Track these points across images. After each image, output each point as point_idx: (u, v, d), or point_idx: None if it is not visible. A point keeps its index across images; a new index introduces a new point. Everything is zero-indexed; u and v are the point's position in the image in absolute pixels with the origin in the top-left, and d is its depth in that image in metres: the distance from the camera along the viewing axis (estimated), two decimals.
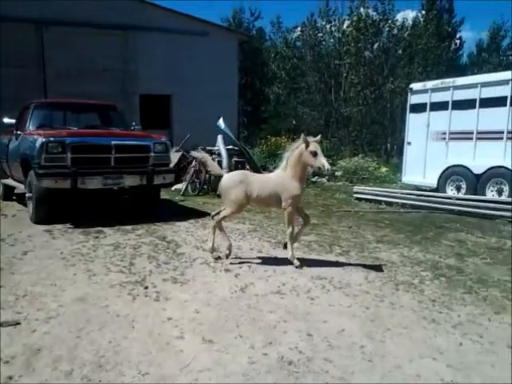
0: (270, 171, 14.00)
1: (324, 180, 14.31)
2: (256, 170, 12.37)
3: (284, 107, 26.13)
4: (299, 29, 24.46)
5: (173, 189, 11.13)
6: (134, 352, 3.10)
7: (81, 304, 3.91)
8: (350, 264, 5.36)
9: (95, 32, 14.46)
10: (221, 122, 12.10)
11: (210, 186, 11.19)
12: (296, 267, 5.07)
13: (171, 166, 8.61)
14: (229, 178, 5.23)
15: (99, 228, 6.77)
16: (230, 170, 11.12)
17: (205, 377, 2.82)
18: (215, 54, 16.38)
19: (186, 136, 13.04)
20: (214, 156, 11.41)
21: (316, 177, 14.19)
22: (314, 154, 4.96)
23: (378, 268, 5.21)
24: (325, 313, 3.86)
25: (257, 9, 31.35)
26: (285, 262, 5.28)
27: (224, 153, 11.20)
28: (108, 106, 9.38)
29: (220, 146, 11.41)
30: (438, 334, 3.50)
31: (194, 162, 11.30)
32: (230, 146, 11.85)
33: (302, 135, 5.05)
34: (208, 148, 11.73)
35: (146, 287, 4.33)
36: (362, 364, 3.01)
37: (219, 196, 10.34)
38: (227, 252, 5.38)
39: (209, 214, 8.20)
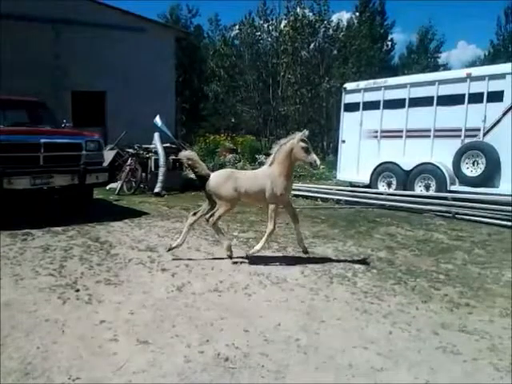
0: (209, 169, 13.97)
1: None
2: None
3: (223, 105, 26.07)
4: (237, 27, 24.50)
5: (107, 188, 10.80)
6: (64, 357, 2.98)
7: (6, 310, 3.69)
8: (286, 259, 5.45)
9: (25, 25, 13.70)
10: (157, 120, 11.89)
11: (146, 184, 10.97)
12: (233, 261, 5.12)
13: (105, 164, 8.36)
14: (216, 177, 5.17)
15: (27, 230, 6.43)
16: (168, 168, 11.00)
17: (139, 378, 2.77)
18: (152, 50, 16.03)
19: (122, 134, 12.69)
20: (150, 154, 11.23)
21: None
22: (306, 150, 5.03)
23: (313, 262, 5.32)
24: (262, 308, 3.90)
25: (194, 6, 31.08)
26: (223, 259, 5.29)
27: (161, 151, 11.02)
28: (36, 103, 8.92)
29: (157, 143, 11.21)
30: (370, 324, 3.63)
31: (129, 161, 11.02)
32: (168, 144, 11.67)
33: (303, 132, 5.10)
34: (145, 146, 11.50)
35: (78, 290, 4.17)
36: (297, 356, 3.07)
37: (156, 195, 10.26)
38: (229, 253, 5.24)
39: (145, 213, 8.11)
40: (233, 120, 25.65)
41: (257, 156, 16.63)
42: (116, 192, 10.54)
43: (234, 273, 4.84)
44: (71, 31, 14.57)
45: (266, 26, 23.53)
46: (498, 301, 4.25)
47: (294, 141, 5.05)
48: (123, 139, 12.53)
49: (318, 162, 5.15)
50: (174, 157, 11.59)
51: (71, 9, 14.40)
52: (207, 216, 5.25)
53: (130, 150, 11.45)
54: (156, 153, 11.11)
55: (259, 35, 23.95)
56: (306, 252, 5.42)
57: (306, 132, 5.15)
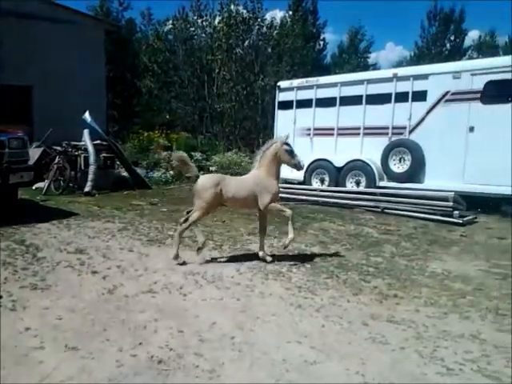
0: (143, 167, 13.67)
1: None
2: (127, 166, 11.97)
3: (157, 101, 25.56)
4: (170, 22, 24.09)
5: (34, 188, 10.26)
6: None
7: None
8: (222, 257, 5.45)
9: None
10: (87, 116, 11.43)
11: (76, 183, 10.53)
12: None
13: (31, 162, 7.93)
14: (206, 179, 5.15)
15: None
16: (99, 166, 10.63)
17: None
18: (81, 43, 15.35)
19: (48, 130, 12.09)
20: (80, 152, 10.81)
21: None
22: (290, 153, 5.24)
23: (249, 259, 5.36)
24: (197, 308, 3.86)
25: None
26: (157, 259, 5.20)
27: (91, 148, 10.62)
28: None
29: (86, 141, 10.79)
30: (303, 319, 3.71)
31: (57, 159, 10.52)
32: (98, 141, 11.25)
33: (286, 135, 5.35)
34: (73, 143, 11.03)
35: (0, 297, 3.93)
36: (231, 354, 3.07)
37: (86, 194, 9.88)
38: (180, 260, 5.10)
39: (75, 214, 7.78)
40: (167, 116, 25.19)
41: (192, 153, 16.45)
42: (43, 192, 10.02)
43: (169, 273, 4.76)
44: None
45: (199, 21, 23.33)
46: (424, 291, 4.48)
47: (278, 144, 5.23)
48: (52, 136, 11.95)
49: (302, 164, 5.45)
50: (104, 154, 11.22)
51: None
52: (182, 220, 5.22)
53: (58, 148, 10.92)
54: (86, 150, 10.70)
55: (193, 31, 23.70)
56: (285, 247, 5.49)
57: (289, 135, 5.42)
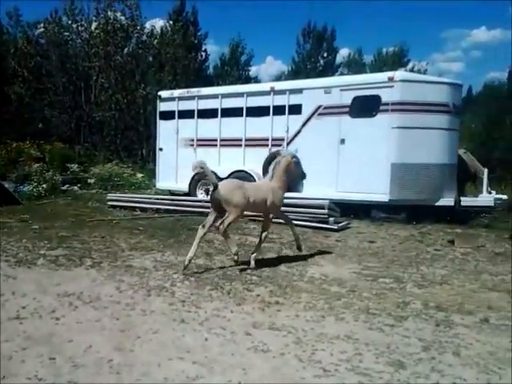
0: (11, 181, 12.54)
1: (76, 188, 13.50)
2: None
3: (29, 109, 23.68)
4: (42, 25, 22.53)
5: None
6: None
7: None
8: (101, 276, 5.17)
9: None
10: None
11: None
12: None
13: None
14: (229, 184, 5.56)
15: None
16: None
17: None
18: None
19: None
20: None
21: (67, 185, 13.29)
22: (298, 164, 6.04)
23: (130, 276, 5.16)
24: (71, 332, 3.60)
25: None
26: (27, 282, 4.77)
27: None
28: None
29: None
30: (186, 334, 3.64)
31: None
32: None
33: (296, 149, 6.34)
34: None
35: None
36: (109, 378, 2.90)
37: None
38: (236, 258, 5.51)
39: None
40: (41, 125, 23.44)
41: (68, 165, 15.49)
42: None
43: (40, 296, 4.38)
44: None
45: (74, 26, 22.18)
46: (303, 296, 4.65)
47: (289, 158, 5.87)
48: None
49: (305, 173, 6.41)
50: None
51: None
52: (217, 224, 5.43)
53: None
54: None
55: (68, 36, 22.46)
56: (299, 249, 6.21)
57: (297, 149, 6.31)
